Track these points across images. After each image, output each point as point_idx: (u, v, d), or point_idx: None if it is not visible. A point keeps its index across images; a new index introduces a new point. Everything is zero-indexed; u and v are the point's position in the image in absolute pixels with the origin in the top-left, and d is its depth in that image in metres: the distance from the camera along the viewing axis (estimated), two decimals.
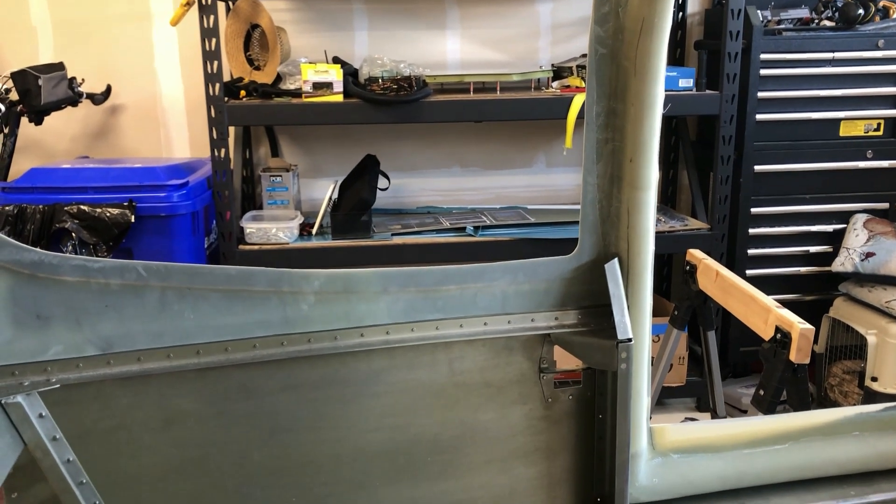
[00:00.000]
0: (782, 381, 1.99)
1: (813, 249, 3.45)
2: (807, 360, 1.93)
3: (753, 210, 3.38)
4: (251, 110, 3.04)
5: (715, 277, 2.43)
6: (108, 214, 2.80)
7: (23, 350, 0.89)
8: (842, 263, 3.28)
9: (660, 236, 3.26)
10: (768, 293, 3.45)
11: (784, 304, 3.50)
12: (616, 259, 1.07)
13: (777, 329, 2.02)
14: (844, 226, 3.40)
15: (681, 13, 3.60)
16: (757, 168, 3.34)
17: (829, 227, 3.43)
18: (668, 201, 3.78)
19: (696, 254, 2.56)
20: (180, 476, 0.99)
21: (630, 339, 1.03)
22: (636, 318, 1.07)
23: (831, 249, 3.41)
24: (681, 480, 1.16)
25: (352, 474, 1.07)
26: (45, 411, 0.91)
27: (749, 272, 3.43)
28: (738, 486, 1.20)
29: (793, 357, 1.95)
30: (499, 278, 1.05)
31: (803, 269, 3.47)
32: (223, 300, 0.95)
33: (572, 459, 1.15)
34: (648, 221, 1.05)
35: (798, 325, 1.96)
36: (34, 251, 0.87)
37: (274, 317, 0.96)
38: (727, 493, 1.19)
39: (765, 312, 2.11)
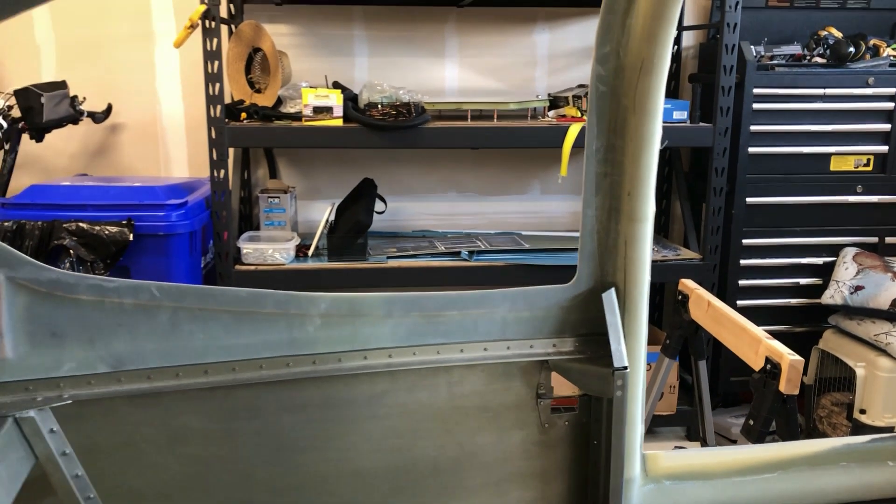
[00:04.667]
0: (772, 412, 2.02)
1: (803, 281, 3.49)
2: (796, 392, 1.96)
3: (745, 241, 3.43)
4: (251, 132, 3.08)
5: (706, 307, 2.46)
6: (106, 232, 2.82)
7: (37, 366, 0.91)
8: (831, 296, 3.32)
9: (652, 265, 3.29)
10: (759, 324, 3.49)
11: (774, 335, 3.53)
12: (613, 289, 1.10)
13: (767, 360, 2.05)
14: (834, 259, 3.44)
15: (676, 46, 3.66)
16: (749, 200, 3.38)
17: (820, 260, 3.47)
18: (661, 231, 3.82)
19: (688, 283, 2.59)
20: (185, 493, 1.01)
21: (626, 368, 1.06)
22: (632, 347, 1.10)
23: (821, 282, 3.45)
24: None
25: (353, 494, 1.09)
26: (56, 427, 0.92)
27: (740, 303, 3.46)
28: None
29: (782, 388, 1.98)
30: (499, 305, 1.08)
31: (793, 301, 3.51)
32: (232, 321, 0.97)
33: (567, 484, 1.17)
34: (645, 253, 1.08)
35: (788, 356, 1.99)
36: (52, 270, 0.90)
37: (281, 338, 0.99)
38: None
39: (755, 343, 2.14)
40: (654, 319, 3.89)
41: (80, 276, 0.91)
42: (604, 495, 1.12)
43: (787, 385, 1.98)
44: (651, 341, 3.50)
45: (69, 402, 0.91)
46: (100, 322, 0.93)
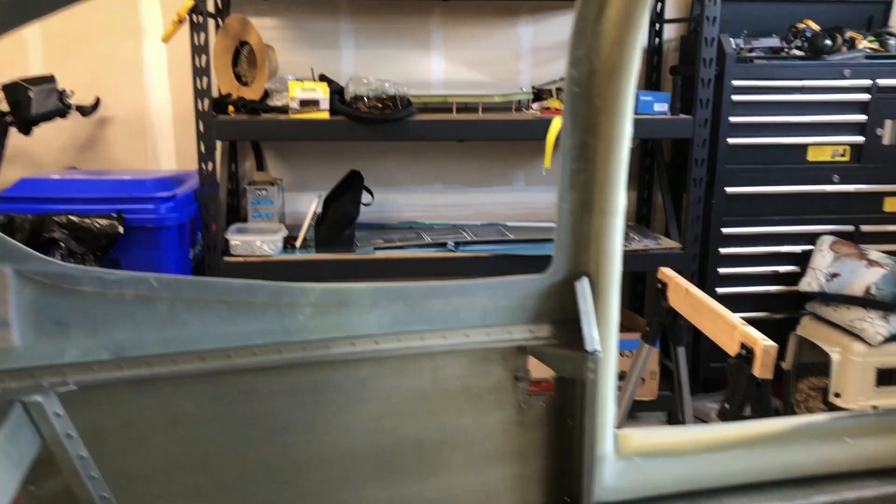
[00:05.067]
0: (746, 395, 2.09)
1: (781, 269, 3.57)
2: (769, 376, 2.04)
3: (724, 230, 3.50)
4: (239, 126, 3.12)
5: (685, 295, 2.53)
6: (96, 225, 2.86)
7: (42, 354, 0.96)
8: (808, 283, 3.40)
9: (633, 255, 3.37)
10: (738, 311, 3.56)
11: (753, 322, 3.61)
12: (586, 278, 1.17)
13: (742, 345, 2.12)
14: (812, 247, 3.52)
15: (657, 39, 3.72)
16: (728, 190, 3.45)
17: (798, 248, 3.55)
18: (642, 220, 3.89)
19: (666, 272, 2.65)
20: (183, 472, 1.07)
21: (597, 351, 1.13)
22: (604, 333, 1.17)
23: (799, 270, 3.52)
24: (642, 482, 1.26)
25: (341, 473, 1.15)
26: (61, 411, 0.98)
27: (720, 290, 3.54)
28: (695, 488, 1.30)
29: (756, 372, 2.05)
30: (479, 294, 1.15)
31: (772, 289, 3.59)
32: (227, 310, 1.03)
33: (544, 462, 1.24)
34: (615, 244, 1.15)
35: (762, 341, 2.06)
36: (57, 264, 0.95)
37: (272, 326, 1.04)
38: (685, 494, 1.29)
39: (731, 329, 2.21)
40: (637, 308, 3.96)
41: (83, 269, 0.96)
42: (578, 472, 1.18)
43: (761, 369, 2.05)
44: (633, 329, 3.56)
45: (73, 387, 0.97)
46: (102, 312, 0.98)
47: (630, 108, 1.13)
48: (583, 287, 1.15)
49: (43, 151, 3.52)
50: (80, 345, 0.97)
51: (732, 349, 2.18)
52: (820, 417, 1.35)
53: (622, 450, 1.24)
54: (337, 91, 3.25)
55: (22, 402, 0.94)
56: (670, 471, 1.26)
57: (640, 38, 1.10)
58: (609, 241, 1.14)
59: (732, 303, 3.53)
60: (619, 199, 1.14)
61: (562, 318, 1.17)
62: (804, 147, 3.47)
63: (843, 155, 3.50)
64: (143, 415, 1.03)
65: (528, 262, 3.23)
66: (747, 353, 2.10)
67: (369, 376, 1.13)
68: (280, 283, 1.07)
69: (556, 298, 1.17)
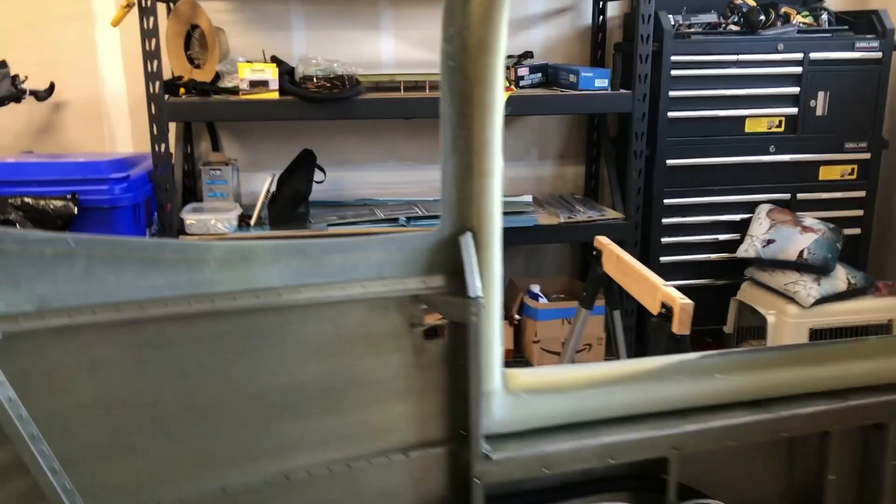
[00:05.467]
0: (667, 350, 2.23)
1: (722, 237, 3.71)
2: (687, 332, 2.17)
3: (666, 201, 3.63)
4: (190, 107, 3.20)
5: (616, 261, 2.65)
6: (51, 206, 2.93)
7: None
8: (745, 249, 3.55)
9: (578, 226, 3.50)
10: (681, 279, 3.73)
11: (696, 288, 3.78)
12: (469, 233, 1.29)
13: (662, 304, 2.25)
14: (751, 215, 3.66)
15: (601, 17, 3.83)
16: (669, 162, 3.58)
17: (737, 217, 3.69)
18: (590, 194, 4.02)
19: (601, 240, 2.78)
20: (105, 413, 1.18)
21: (480, 297, 1.26)
22: (486, 281, 1.29)
23: (739, 237, 3.66)
24: (529, 415, 1.39)
25: (253, 412, 1.27)
26: None
27: (663, 259, 3.68)
28: (577, 420, 1.43)
29: (675, 329, 2.18)
30: (375, 249, 1.26)
31: (713, 256, 3.73)
32: (139, 266, 1.13)
33: (440, 399, 1.36)
34: (494, 202, 1.28)
35: (679, 300, 2.19)
36: None
37: (182, 280, 1.15)
38: (568, 426, 1.43)
39: (654, 290, 2.34)
40: (584, 277, 4.09)
41: (5, 231, 1.06)
42: (467, 406, 1.31)
43: (679, 326, 2.19)
44: (575, 297, 3.67)
45: (0, 336, 1.07)
46: (24, 268, 1.08)
47: (500, 80, 1.25)
48: (466, 241, 1.28)
49: None
50: (6, 298, 1.07)
51: (655, 308, 2.31)
52: (692, 356, 1.48)
53: (510, 387, 1.36)
54: (287, 72, 3.33)
55: None
56: (554, 405, 1.39)
57: (505, 17, 1.21)
58: (488, 200, 1.27)
59: (676, 271, 3.70)
60: (495, 162, 1.26)
61: (451, 269, 1.29)
62: (742, 119, 3.61)
63: (778, 126, 3.64)
64: (66, 360, 1.14)
65: None
66: (667, 312, 2.23)
67: (274, 325, 1.24)
68: (187, 241, 1.18)
69: (444, 252, 1.29)
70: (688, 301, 2.18)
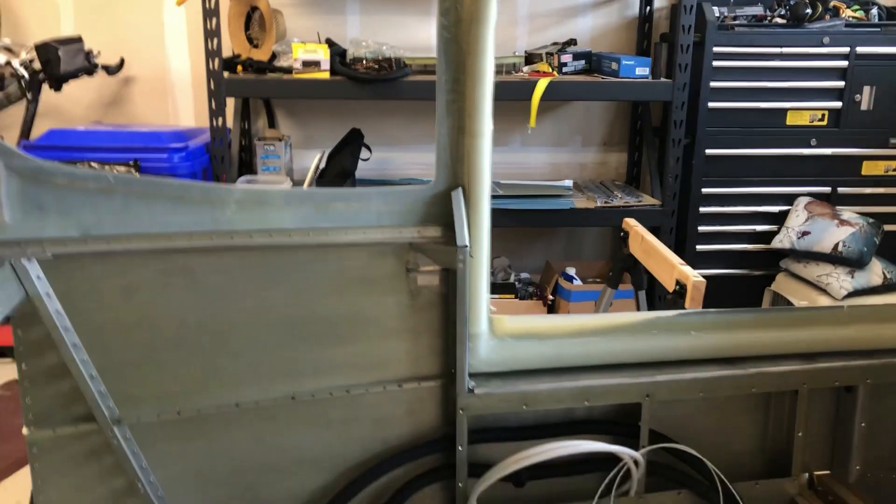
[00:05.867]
0: None
1: (759, 228, 3.73)
2: (699, 308, 2.26)
3: (704, 190, 3.68)
4: (246, 84, 3.40)
5: (641, 242, 2.74)
6: (115, 172, 3.17)
7: (27, 229, 1.25)
8: (780, 240, 3.58)
9: (615, 210, 3.59)
10: (717, 268, 3.78)
11: (731, 278, 3.82)
12: (460, 188, 1.43)
13: (677, 282, 2.34)
14: (790, 207, 3.69)
15: (648, 7, 3.89)
16: (708, 151, 3.63)
17: (775, 209, 3.71)
18: (632, 182, 4.09)
19: (629, 222, 2.87)
20: (137, 330, 1.36)
21: (467, 247, 1.40)
22: (475, 233, 1.43)
23: (776, 229, 3.69)
24: (512, 358, 1.53)
25: (264, 339, 1.43)
26: (41, 274, 1.27)
27: (699, 247, 3.73)
28: (557, 365, 1.56)
29: (687, 305, 2.27)
30: (375, 200, 1.42)
31: (750, 247, 3.76)
32: (169, 203, 1.31)
33: (433, 339, 1.51)
34: (483, 161, 1.42)
35: (693, 277, 2.28)
36: (36, 161, 1.23)
37: (205, 218, 1.32)
38: (549, 370, 1.55)
39: (671, 269, 2.42)
40: None
41: (56, 166, 1.25)
42: (455, 345, 1.45)
43: (691, 302, 2.27)
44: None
45: (50, 256, 1.26)
46: (71, 200, 1.26)
47: (490, 50, 1.38)
48: (457, 195, 1.42)
49: (73, 107, 3.84)
50: (55, 224, 1.26)
51: (671, 286, 2.40)
52: (670, 313, 1.59)
53: (496, 331, 1.50)
54: (339, 53, 3.50)
55: (11, 263, 1.23)
56: (537, 350, 1.52)
57: None
58: (478, 159, 1.41)
59: (711, 260, 3.75)
60: (485, 125, 1.40)
61: (444, 222, 1.44)
62: (783, 111, 3.62)
63: (821, 119, 3.65)
64: (105, 282, 1.32)
65: (510, 215, 3.47)
66: (681, 289, 2.32)
67: (285, 262, 1.40)
68: (211, 184, 1.35)
69: (438, 206, 1.44)
70: (700, 279, 2.27)
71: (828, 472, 1.76)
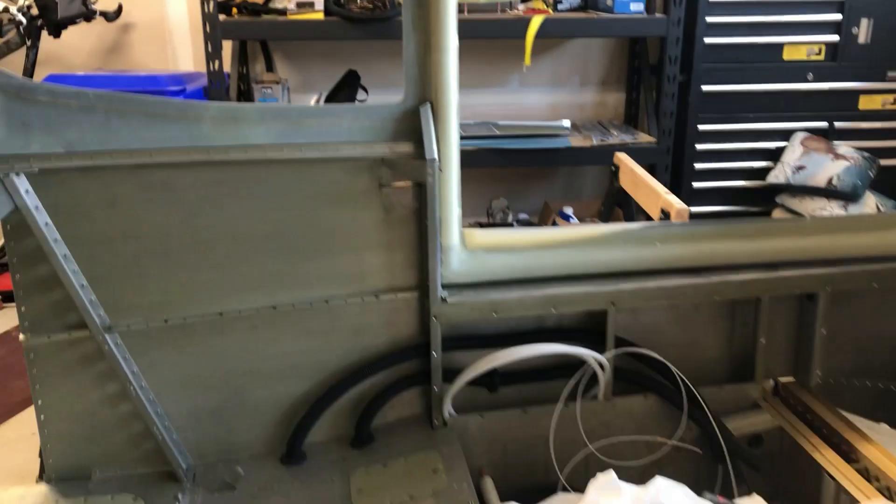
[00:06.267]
0: None
1: (756, 165, 3.75)
2: None
3: (701, 127, 3.69)
4: (242, 26, 3.42)
5: (631, 175, 2.78)
6: None
7: (13, 145, 1.31)
8: (776, 175, 3.60)
9: (611, 149, 3.60)
10: (713, 205, 3.80)
11: (728, 214, 3.82)
12: (429, 104, 1.48)
13: (662, 210, 2.39)
14: (786, 143, 3.69)
15: None
16: (704, 88, 3.63)
17: (772, 145, 3.72)
18: (630, 121, 4.10)
19: (620, 156, 2.90)
20: (122, 242, 1.43)
21: (435, 160, 1.45)
22: (443, 147, 1.48)
23: (773, 165, 3.70)
24: (483, 270, 1.59)
25: (245, 251, 1.50)
26: (29, 188, 1.34)
27: (696, 184, 3.75)
28: (527, 276, 1.62)
29: None
30: (346, 116, 1.47)
31: (747, 183, 3.78)
32: (148, 120, 1.36)
33: (407, 252, 1.57)
34: (449, 77, 1.47)
35: (676, 205, 2.33)
36: (19, 78, 1.29)
37: (183, 134, 1.38)
38: (518, 280, 1.61)
39: (657, 198, 2.47)
40: None
41: (38, 84, 1.30)
42: (427, 258, 1.52)
43: None
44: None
45: (36, 171, 1.32)
46: (55, 117, 1.32)
47: None
48: (426, 111, 1.47)
49: (73, 55, 3.88)
50: (40, 140, 1.32)
51: (656, 214, 2.45)
52: (635, 225, 1.64)
53: (468, 244, 1.56)
54: None
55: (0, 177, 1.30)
56: (507, 262, 1.58)
57: None
58: (444, 74, 1.46)
59: (708, 197, 3.78)
60: (448, 42, 1.45)
61: (414, 137, 1.49)
62: (780, 46, 3.61)
63: (818, 54, 3.64)
64: (90, 196, 1.38)
65: (513, 156, 3.50)
66: (665, 216, 2.37)
67: (261, 177, 1.46)
68: (188, 100, 1.40)
69: (409, 121, 1.49)
70: (684, 206, 2.31)
71: (791, 378, 1.82)
